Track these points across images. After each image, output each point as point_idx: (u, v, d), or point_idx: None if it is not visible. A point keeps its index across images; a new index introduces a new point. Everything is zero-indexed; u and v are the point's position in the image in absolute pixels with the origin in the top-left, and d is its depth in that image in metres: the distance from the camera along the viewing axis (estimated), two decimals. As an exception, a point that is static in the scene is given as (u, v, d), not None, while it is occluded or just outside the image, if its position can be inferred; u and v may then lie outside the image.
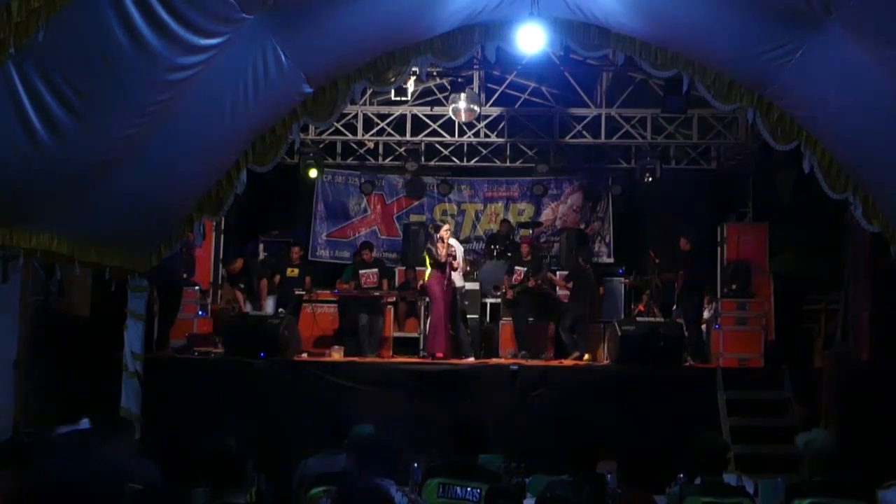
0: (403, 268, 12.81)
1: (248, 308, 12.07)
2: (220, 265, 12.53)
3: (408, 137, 13.78)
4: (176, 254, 9.18)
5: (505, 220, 14.46)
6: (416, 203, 15.01)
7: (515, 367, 9.73)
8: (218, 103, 6.92)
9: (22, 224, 6.10)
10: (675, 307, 11.83)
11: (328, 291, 12.85)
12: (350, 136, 13.86)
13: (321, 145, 14.04)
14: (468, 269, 13.06)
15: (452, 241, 11.22)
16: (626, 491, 4.67)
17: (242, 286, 12.39)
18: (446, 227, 11.50)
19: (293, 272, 12.27)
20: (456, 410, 8.48)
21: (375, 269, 11.78)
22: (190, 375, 9.57)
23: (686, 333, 11.13)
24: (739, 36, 7.06)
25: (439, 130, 13.65)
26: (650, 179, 12.98)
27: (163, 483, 4.51)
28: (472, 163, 14.42)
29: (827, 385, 9.45)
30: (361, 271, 12.19)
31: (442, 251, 10.83)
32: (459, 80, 12.18)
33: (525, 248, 12.10)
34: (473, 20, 7.82)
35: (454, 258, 10.89)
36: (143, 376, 8.66)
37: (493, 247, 13.63)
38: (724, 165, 14.15)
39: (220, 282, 12.42)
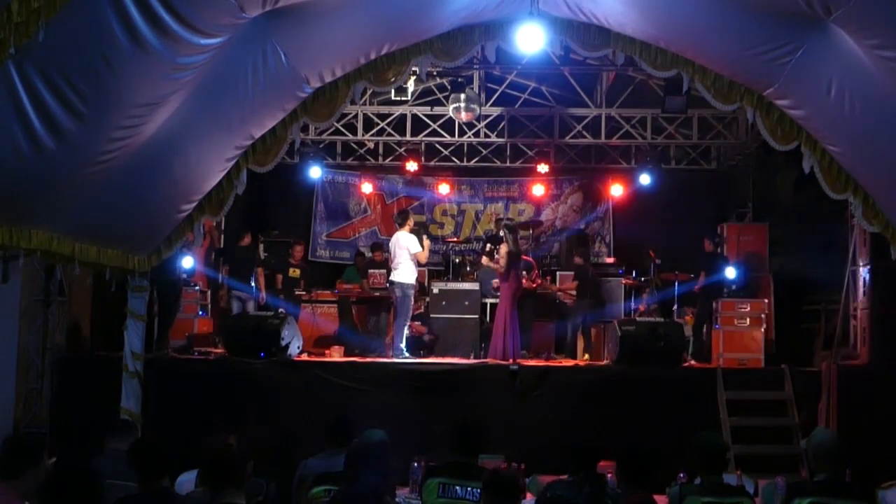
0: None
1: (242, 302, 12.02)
2: (222, 261, 12.50)
3: (408, 137, 13.79)
4: (176, 254, 9.18)
5: (500, 219, 14.44)
6: (416, 203, 15.00)
7: (515, 367, 9.72)
8: (218, 104, 6.92)
9: (22, 224, 6.10)
10: (675, 307, 11.84)
11: (328, 291, 12.88)
12: (350, 136, 13.87)
13: (321, 145, 14.05)
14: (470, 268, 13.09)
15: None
16: (626, 491, 4.67)
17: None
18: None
19: (295, 272, 12.26)
20: (456, 410, 8.48)
21: (384, 270, 11.80)
22: (190, 375, 9.56)
23: (692, 333, 11.17)
24: (739, 36, 7.06)
25: (439, 130, 13.66)
26: (650, 179, 12.98)
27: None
28: (472, 163, 14.43)
29: (827, 385, 9.44)
30: (371, 270, 12.20)
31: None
32: (459, 80, 12.18)
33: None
34: (473, 20, 7.82)
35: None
36: (143, 376, 8.66)
37: (492, 247, 13.62)
38: (724, 165, 14.16)
39: (220, 281, 12.41)
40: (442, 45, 7.96)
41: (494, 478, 4.18)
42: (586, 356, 11.45)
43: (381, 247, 12.71)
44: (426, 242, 11.06)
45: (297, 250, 12.53)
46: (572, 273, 12.31)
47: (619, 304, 12.14)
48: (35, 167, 5.31)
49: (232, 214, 9.40)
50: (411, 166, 14.14)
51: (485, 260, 11.62)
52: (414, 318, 11.67)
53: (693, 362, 10.76)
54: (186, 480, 5.16)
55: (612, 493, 4.89)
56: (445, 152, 14.28)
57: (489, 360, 10.51)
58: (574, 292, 11.96)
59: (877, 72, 6.12)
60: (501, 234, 11.33)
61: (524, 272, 11.45)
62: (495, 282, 11.48)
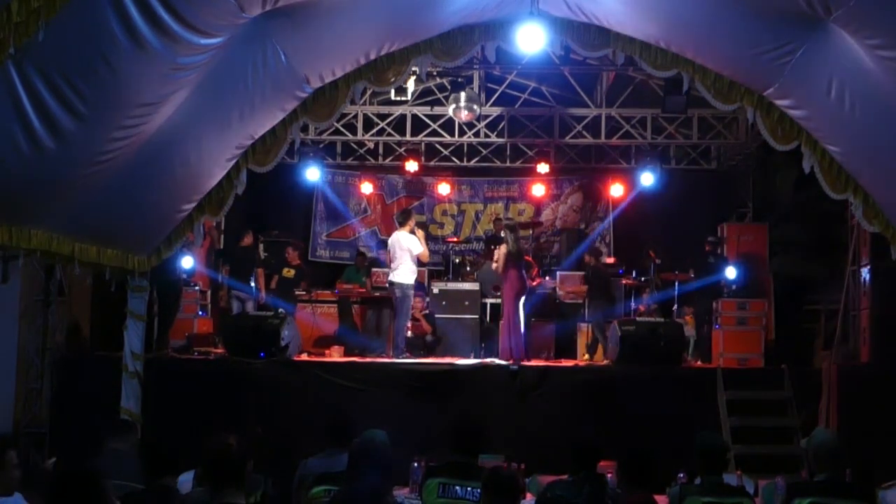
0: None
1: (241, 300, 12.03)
2: (222, 261, 12.53)
3: (408, 137, 13.79)
4: (176, 254, 9.19)
5: (499, 220, 14.47)
6: (416, 203, 14.99)
7: (515, 367, 9.72)
8: (217, 103, 6.93)
9: (22, 224, 6.10)
10: (675, 307, 11.85)
11: (328, 291, 12.88)
12: (350, 136, 13.87)
13: (321, 145, 14.05)
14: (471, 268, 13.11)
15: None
16: (626, 491, 4.67)
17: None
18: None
19: (288, 273, 12.26)
20: (456, 410, 8.48)
21: (387, 269, 11.80)
22: (190, 375, 9.57)
23: (694, 333, 11.19)
24: (739, 36, 7.06)
25: (439, 130, 13.65)
26: (650, 179, 12.97)
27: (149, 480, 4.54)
28: (472, 163, 14.43)
29: (827, 385, 9.44)
30: (375, 269, 12.15)
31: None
32: (459, 80, 12.17)
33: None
34: (473, 20, 7.82)
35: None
36: (143, 376, 8.66)
37: (492, 247, 13.64)
38: (724, 165, 14.16)
39: (220, 281, 12.42)
40: (442, 45, 7.96)
41: (494, 477, 4.17)
42: (586, 356, 11.46)
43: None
44: (419, 233, 11.06)
45: (291, 251, 12.53)
46: (577, 273, 12.35)
47: (619, 304, 12.15)
48: (35, 167, 5.31)
49: (232, 214, 9.40)
50: (411, 166, 14.13)
51: (494, 265, 11.60)
52: (425, 318, 11.72)
53: (699, 363, 10.79)
54: (185, 480, 5.17)
55: (612, 493, 4.89)
56: (445, 152, 14.28)
57: (489, 360, 10.51)
58: (579, 293, 12.01)
59: (877, 72, 6.12)
60: (502, 234, 11.32)
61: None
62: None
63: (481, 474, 4.51)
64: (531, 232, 14.18)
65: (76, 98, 5.05)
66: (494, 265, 11.05)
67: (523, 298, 10.62)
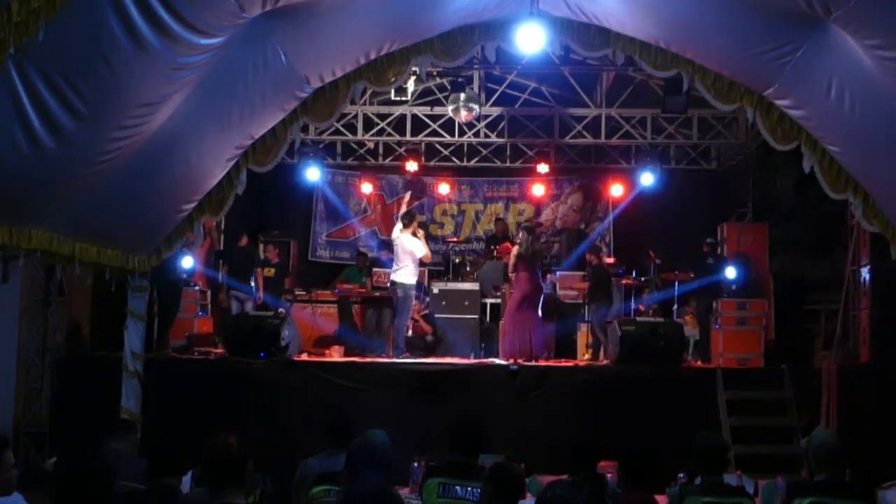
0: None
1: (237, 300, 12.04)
2: (221, 262, 12.54)
3: (408, 137, 13.79)
4: (176, 254, 9.19)
5: (499, 220, 14.47)
6: (416, 203, 14.98)
7: (515, 367, 9.73)
8: (217, 103, 6.93)
9: (22, 224, 6.10)
10: (675, 307, 11.85)
11: (328, 291, 12.89)
12: (350, 136, 13.87)
13: (321, 145, 14.05)
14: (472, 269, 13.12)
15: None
16: (626, 491, 4.67)
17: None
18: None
19: (269, 272, 12.26)
20: (456, 410, 8.48)
21: (388, 269, 11.81)
22: (190, 375, 9.57)
23: (696, 333, 11.20)
24: (739, 36, 7.06)
25: (439, 130, 13.65)
26: (650, 179, 12.97)
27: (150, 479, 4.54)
28: (472, 163, 14.43)
29: (827, 385, 9.44)
30: (376, 269, 12.13)
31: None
32: (459, 80, 12.17)
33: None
34: (473, 20, 7.82)
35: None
36: (143, 376, 8.66)
37: (492, 247, 13.66)
38: (724, 165, 14.16)
39: (220, 281, 12.43)
40: (442, 45, 7.96)
41: (499, 471, 4.16)
42: (587, 356, 11.46)
43: (390, 245, 12.70)
44: (420, 233, 11.07)
45: (271, 249, 12.56)
46: (577, 273, 12.33)
47: (619, 304, 12.15)
48: (35, 167, 5.30)
49: (232, 214, 9.40)
50: (411, 166, 14.14)
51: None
52: (423, 319, 11.72)
53: (699, 363, 10.80)
54: (184, 481, 5.17)
55: (612, 493, 4.89)
56: (445, 152, 14.28)
57: (489, 360, 10.51)
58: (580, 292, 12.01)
59: (877, 72, 6.12)
60: (519, 235, 11.28)
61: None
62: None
63: (481, 474, 4.51)
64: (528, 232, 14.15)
65: (76, 98, 5.04)
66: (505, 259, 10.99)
67: (541, 300, 10.63)
